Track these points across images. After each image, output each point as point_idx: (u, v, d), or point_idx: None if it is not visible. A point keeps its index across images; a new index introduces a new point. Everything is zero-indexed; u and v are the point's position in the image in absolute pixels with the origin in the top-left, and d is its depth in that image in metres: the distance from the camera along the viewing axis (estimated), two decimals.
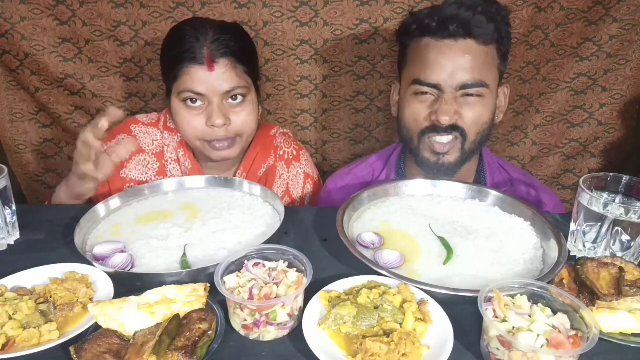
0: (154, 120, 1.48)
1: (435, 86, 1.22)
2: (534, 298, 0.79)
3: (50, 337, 0.75)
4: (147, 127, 1.45)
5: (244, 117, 1.33)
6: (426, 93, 1.25)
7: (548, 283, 0.81)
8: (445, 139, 1.25)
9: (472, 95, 1.21)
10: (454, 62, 1.18)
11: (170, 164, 1.45)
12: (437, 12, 1.20)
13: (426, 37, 1.23)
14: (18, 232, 1.07)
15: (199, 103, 1.30)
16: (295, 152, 1.56)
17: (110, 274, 0.88)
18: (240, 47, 1.30)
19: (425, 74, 1.22)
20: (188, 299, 0.80)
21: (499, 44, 1.22)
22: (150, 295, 0.81)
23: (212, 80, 1.26)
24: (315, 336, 0.75)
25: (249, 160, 1.50)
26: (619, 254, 0.96)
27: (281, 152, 1.55)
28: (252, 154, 1.50)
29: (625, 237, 0.95)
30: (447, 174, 1.30)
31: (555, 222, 1.05)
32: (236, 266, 0.86)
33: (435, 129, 1.24)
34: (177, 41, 1.29)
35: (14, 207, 1.05)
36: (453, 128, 1.23)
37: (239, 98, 1.31)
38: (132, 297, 0.79)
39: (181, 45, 1.27)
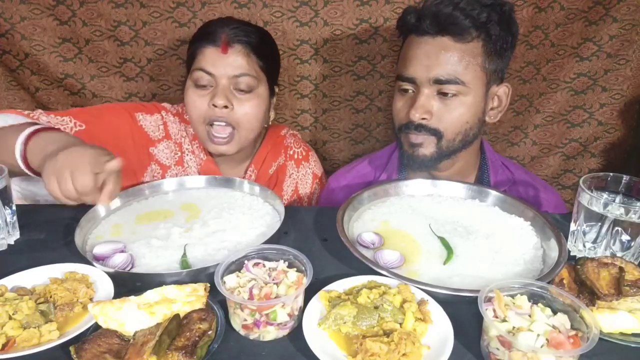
0: (173, 111, 1.48)
1: (411, 80, 1.22)
2: (534, 298, 0.79)
3: (50, 337, 0.75)
4: (173, 116, 1.46)
5: (247, 108, 1.33)
6: (407, 91, 1.26)
7: (548, 283, 0.81)
8: (419, 138, 1.25)
9: (447, 93, 1.20)
10: (429, 57, 1.19)
11: (187, 155, 1.46)
12: (419, 10, 1.22)
13: (411, 35, 1.25)
14: (18, 232, 1.07)
15: (207, 85, 1.32)
16: (304, 153, 1.60)
17: (110, 274, 0.88)
18: (258, 41, 1.33)
19: (404, 69, 1.24)
20: (188, 299, 0.80)
21: (485, 42, 1.19)
22: (150, 295, 0.81)
23: (223, 62, 1.29)
24: (315, 336, 0.75)
25: (260, 158, 1.51)
26: (619, 254, 0.96)
27: (291, 152, 1.57)
28: (263, 152, 1.52)
29: (625, 237, 0.95)
30: (425, 167, 1.30)
31: (555, 222, 1.05)
32: (236, 266, 0.86)
33: (408, 126, 1.25)
34: (204, 28, 1.35)
35: (14, 207, 1.05)
36: (424, 128, 1.23)
37: (247, 87, 1.32)
38: (132, 297, 0.79)
39: (205, 30, 1.33)
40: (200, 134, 1.38)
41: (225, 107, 1.30)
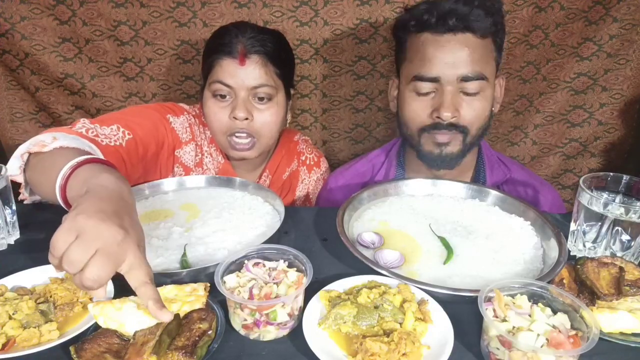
0: (193, 113, 1.47)
1: (436, 79, 1.22)
2: (534, 298, 0.79)
3: (50, 337, 0.75)
4: (193, 118, 1.45)
5: (266, 117, 1.34)
6: (427, 94, 1.25)
7: (548, 283, 0.81)
8: (446, 137, 1.25)
9: (471, 91, 1.21)
10: (454, 55, 1.19)
11: (207, 157, 1.46)
12: (435, 7, 1.21)
13: (425, 33, 1.23)
14: (18, 232, 1.07)
15: (227, 96, 1.32)
16: (316, 159, 1.62)
17: None
18: (275, 49, 1.33)
19: (425, 69, 1.22)
20: (188, 298, 0.80)
21: (495, 36, 1.22)
22: None
23: (242, 74, 1.29)
24: (315, 336, 0.75)
25: (274, 163, 1.52)
26: (619, 254, 0.96)
27: (303, 158, 1.59)
28: (277, 157, 1.53)
29: (625, 237, 0.95)
30: (449, 165, 1.31)
31: (555, 222, 1.05)
32: (236, 266, 0.86)
33: (437, 126, 1.24)
34: (218, 36, 1.34)
35: (14, 207, 1.05)
36: (454, 126, 1.23)
37: (266, 97, 1.33)
38: (132, 297, 0.79)
39: (220, 39, 1.32)
40: (221, 143, 1.39)
41: (246, 118, 1.31)
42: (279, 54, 1.34)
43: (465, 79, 1.20)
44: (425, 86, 1.24)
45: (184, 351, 0.70)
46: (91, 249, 0.68)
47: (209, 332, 0.75)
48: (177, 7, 1.59)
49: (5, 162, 1.09)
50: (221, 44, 1.30)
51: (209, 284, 0.85)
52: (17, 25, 1.58)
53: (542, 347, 0.69)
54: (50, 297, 0.83)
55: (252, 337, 0.78)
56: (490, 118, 1.29)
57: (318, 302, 0.82)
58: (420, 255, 0.99)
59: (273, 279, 0.82)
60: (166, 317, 0.72)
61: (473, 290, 0.81)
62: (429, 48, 1.22)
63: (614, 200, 1.00)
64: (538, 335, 0.70)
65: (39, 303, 0.81)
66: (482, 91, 1.22)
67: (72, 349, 0.71)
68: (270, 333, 0.78)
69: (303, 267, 0.84)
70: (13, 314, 0.78)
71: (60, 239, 0.70)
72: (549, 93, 1.78)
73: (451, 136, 1.25)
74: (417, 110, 1.27)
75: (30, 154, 1.02)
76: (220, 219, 1.11)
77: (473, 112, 1.23)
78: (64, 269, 0.70)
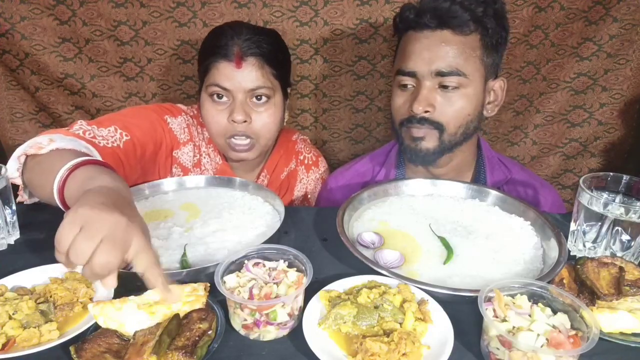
0: (190, 113, 1.47)
1: (412, 74, 1.23)
2: (534, 298, 0.79)
3: (50, 337, 0.75)
4: (191, 118, 1.45)
5: (265, 118, 1.34)
6: (407, 86, 1.26)
7: (548, 283, 0.81)
8: (421, 132, 1.25)
9: (449, 86, 1.21)
10: (429, 51, 1.20)
11: (205, 157, 1.46)
12: (417, 6, 1.23)
13: (410, 30, 1.25)
14: (18, 232, 1.07)
15: (224, 99, 1.32)
16: (314, 158, 1.61)
17: None
18: (271, 50, 1.32)
19: (405, 63, 1.24)
20: (188, 298, 0.80)
21: (482, 35, 1.21)
22: (150, 295, 0.80)
23: (238, 77, 1.29)
24: (315, 336, 0.75)
25: (272, 163, 1.52)
26: (619, 254, 0.96)
27: (301, 157, 1.59)
28: (276, 157, 1.53)
29: (625, 237, 0.95)
30: (427, 161, 1.31)
31: (555, 222, 1.05)
32: (236, 266, 0.86)
33: (411, 120, 1.25)
34: (214, 38, 1.33)
35: (14, 207, 1.05)
36: (427, 121, 1.23)
37: (263, 98, 1.33)
38: (132, 297, 0.79)
39: (216, 41, 1.31)
40: (220, 145, 1.39)
41: (244, 121, 1.31)
42: (276, 55, 1.34)
43: (440, 74, 1.20)
44: (405, 80, 1.26)
45: (184, 351, 0.70)
46: (97, 238, 0.68)
47: (209, 332, 0.75)
48: (177, 7, 1.59)
49: (5, 162, 1.09)
50: (217, 46, 1.30)
51: (209, 284, 0.85)
52: (17, 25, 1.58)
53: (542, 347, 0.69)
54: (50, 297, 0.83)
55: (252, 337, 0.78)
56: (476, 119, 1.27)
57: (318, 302, 0.82)
58: (420, 255, 0.99)
59: (273, 279, 0.82)
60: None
61: (473, 290, 0.81)
62: (409, 44, 1.24)
63: (614, 200, 1.00)
64: (538, 335, 0.70)
65: (39, 303, 0.81)
66: (461, 88, 1.22)
67: (72, 349, 0.71)
68: (270, 333, 0.78)
69: (303, 267, 0.84)
70: (13, 314, 0.78)
71: (65, 233, 0.69)
72: (549, 93, 1.78)
73: (426, 131, 1.25)
74: (399, 103, 1.29)
75: (27, 156, 1.01)
76: (220, 219, 1.11)
77: (450, 109, 1.23)
78: (72, 264, 0.71)
